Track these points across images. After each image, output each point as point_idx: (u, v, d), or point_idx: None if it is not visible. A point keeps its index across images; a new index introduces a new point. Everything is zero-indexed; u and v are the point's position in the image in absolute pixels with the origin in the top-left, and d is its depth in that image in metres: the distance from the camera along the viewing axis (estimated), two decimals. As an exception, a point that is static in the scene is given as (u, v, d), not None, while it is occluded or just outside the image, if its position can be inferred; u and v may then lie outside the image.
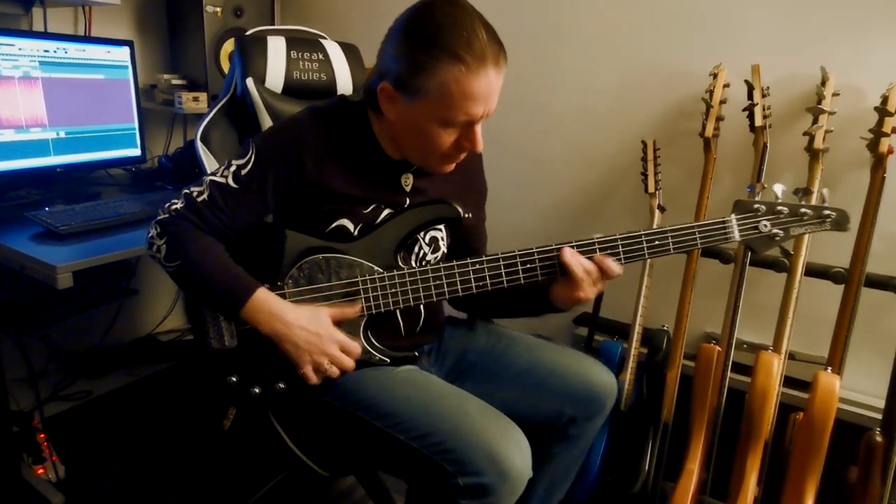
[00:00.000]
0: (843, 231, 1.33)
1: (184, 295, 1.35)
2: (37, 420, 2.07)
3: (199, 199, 1.28)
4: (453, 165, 1.38)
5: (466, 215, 1.47)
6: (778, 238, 1.31)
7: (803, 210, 1.31)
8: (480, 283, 1.33)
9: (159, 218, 1.28)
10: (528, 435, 1.26)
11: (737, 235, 1.31)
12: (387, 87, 1.26)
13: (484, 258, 1.32)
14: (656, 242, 1.31)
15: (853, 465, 1.75)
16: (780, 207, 1.31)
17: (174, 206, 1.28)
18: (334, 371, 1.28)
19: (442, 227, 1.48)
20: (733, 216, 1.31)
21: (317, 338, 1.26)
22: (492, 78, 1.21)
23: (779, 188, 1.32)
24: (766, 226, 1.31)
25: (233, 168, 1.30)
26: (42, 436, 2.03)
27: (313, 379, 1.28)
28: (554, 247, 1.31)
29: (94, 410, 2.44)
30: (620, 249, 1.31)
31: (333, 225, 1.35)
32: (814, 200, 1.69)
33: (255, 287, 1.25)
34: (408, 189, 1.42)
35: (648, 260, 1.96)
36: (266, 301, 1.25)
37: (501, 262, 1.32)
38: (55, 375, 2.54)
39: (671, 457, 1.99)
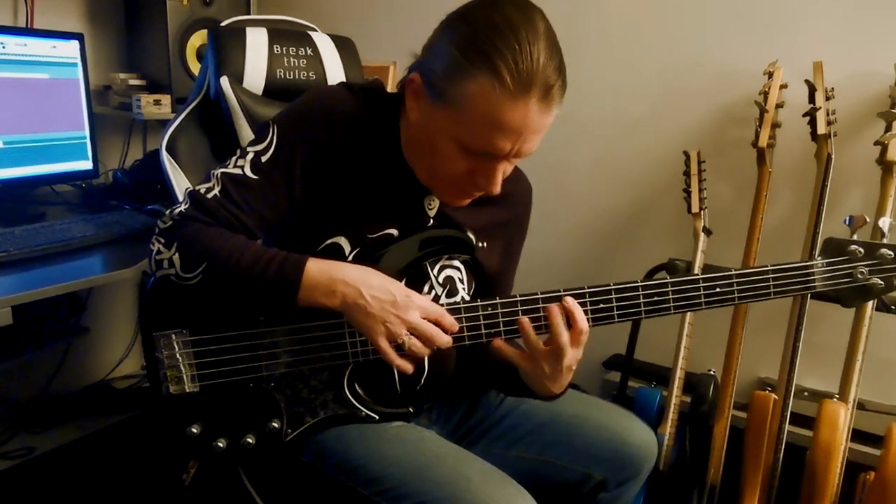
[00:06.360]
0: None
1: (142, 332, 1.30)
2: (-31, 482, 2.06)
3: (209, 196, 1.22)
4: (466, 201, 1.32)
5: (481, 244, 1.41)
6: (877, 289, 1.23)
7: None
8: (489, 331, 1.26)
9: (162, 227, 1.22)
10: (550, 501, 1.24)
11: (819, 284, 1.24)
12: (416, 78, 1.21)
13: (480, 302, 1.26)
14: (717, 290, 1.23)
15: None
16: (884, 250, 1.22)
17: (177, 210, 1.23)
18: (416, 344, 1.19)
19: (460, 265, 1.41)
20: (820, 259, 1.24)
21: (390, 303, 1.17)
22: (533, 112, 1.12)
23: (885, 223, 1.26)
24: (863, 273, 1.23)
25: (249, 155, 1.24)
26: (-25, 500, 2.02)
27: (392, 357, 1.19)
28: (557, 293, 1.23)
29: (37, 470, 2.42)
30: (671, 298, 1.24)
31: (327, 242, 1.30)
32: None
33: (304, 259, 1.19)
34: (432, 214, 1.36)
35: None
36: (323, 269, 1.19)
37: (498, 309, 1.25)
38: (-9, 429, 2.53)
39: (720, 524, 1.98)
